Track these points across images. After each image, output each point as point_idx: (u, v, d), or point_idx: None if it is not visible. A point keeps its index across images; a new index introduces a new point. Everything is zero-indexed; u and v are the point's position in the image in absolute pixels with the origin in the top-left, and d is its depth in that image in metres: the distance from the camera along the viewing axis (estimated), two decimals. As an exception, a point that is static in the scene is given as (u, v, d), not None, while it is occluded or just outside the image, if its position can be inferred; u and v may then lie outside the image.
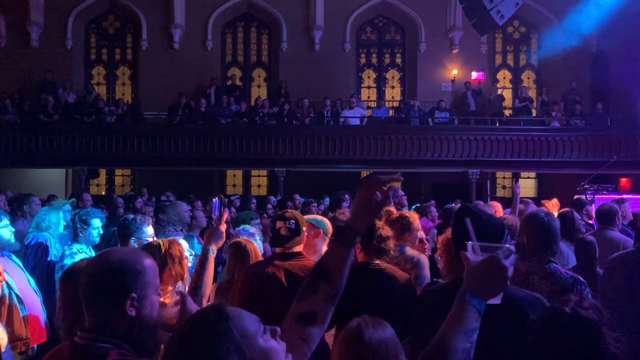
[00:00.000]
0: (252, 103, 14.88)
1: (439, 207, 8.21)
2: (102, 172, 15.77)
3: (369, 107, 15.42)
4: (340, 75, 15.64)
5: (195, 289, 2.39)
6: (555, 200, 7.36)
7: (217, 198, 2.76)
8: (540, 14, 16.01)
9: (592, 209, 6.48)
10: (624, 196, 9.67)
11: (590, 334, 1.52)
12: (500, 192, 15.93)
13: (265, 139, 13.48)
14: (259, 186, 16.17)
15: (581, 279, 2.80)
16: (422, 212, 7.46)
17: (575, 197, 7.86)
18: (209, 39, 15.85)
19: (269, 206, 8.81)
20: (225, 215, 2.64)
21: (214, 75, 15.42)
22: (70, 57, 15.79)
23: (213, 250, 2.51)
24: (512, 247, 1.51)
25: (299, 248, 3.18)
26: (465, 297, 1.43)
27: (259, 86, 16.64)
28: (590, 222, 6.47)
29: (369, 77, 16.80)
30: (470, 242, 1.56)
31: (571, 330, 1.53)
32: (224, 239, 2.61)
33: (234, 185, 16.15)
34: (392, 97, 16.40)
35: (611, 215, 5.29)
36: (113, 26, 16.58)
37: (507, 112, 15.63)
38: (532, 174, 16.14)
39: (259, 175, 16.19)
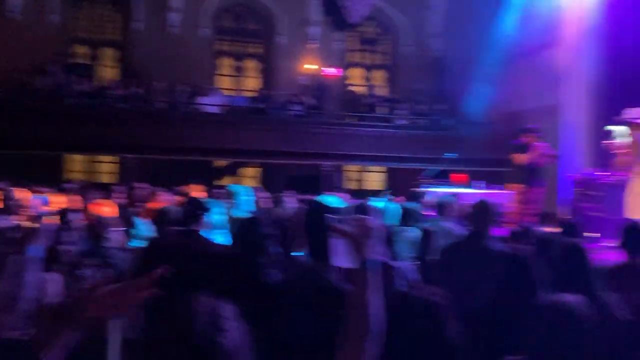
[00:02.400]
0: (101, 84, 13.98)
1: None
2: None
3: (227, 96, 15.25)
4: (197, 61, 15.23)
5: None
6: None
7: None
8: (393, 15, 16.89)
9: (428, 201, 7.04)
10: (458, 190, 10.63)
11: (434, 314, 1.66)
12: (349, 185, 16.62)
13: (113, 122, 12.75)
14: (106, 173, 15.25)
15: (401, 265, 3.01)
16: (276, 203, 7.55)
17: (413, 189, 8.51)
18: (53, 12, 14.57)
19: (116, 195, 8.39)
20: None
21: (58, 51, 14.22)
22: None
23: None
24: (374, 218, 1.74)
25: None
26: (368, 264, 1.62)
27: (109, 66, 15.66)
28: (426, 213, 7.03)
29: (226, 65, 16.59)
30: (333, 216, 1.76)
31: (421, 313, 1.66)
32: None
33: (77, 172, 15.05)
34: (251, 87, 16.36)
35: (445, 207, 5.81)
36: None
37: (360, 109, 16.32)
38: (381, 168, 17.04)
39: (106, 162, 15.27)
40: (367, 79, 17.39)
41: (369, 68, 17.52)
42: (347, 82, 16.88)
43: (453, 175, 13.87)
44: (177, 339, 1.12)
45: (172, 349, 1.11)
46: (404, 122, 15.04)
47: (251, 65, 16.72)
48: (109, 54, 15.74)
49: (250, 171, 16.16)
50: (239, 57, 16.57)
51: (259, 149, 13.61)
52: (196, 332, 1.11)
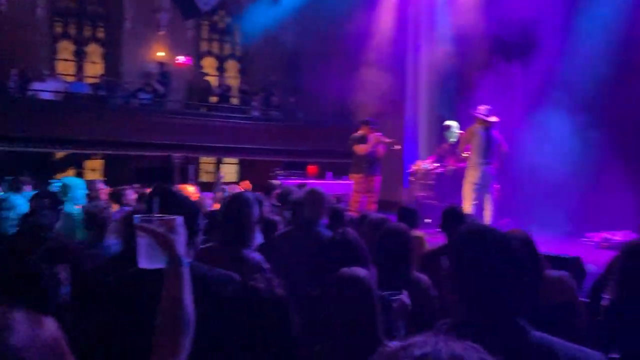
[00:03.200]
0: None
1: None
2: None
3: (66, 82, 14.13)
4: (31, 43, 13.92)
5: None
6: (247, 182, 7.87)
7: None
8: (244, 6, 16.72)
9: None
10: (309, 181, 10.86)
11: (280, 309, 1.62)
12: (204, 177, 16.29)
13: None
14: None
15: (258, 258, 2.97)
16: (116, 197, 7.16)
17: (267, 182, 8.52)
18: None
19: None
20: None
21: None
22: None
23: None
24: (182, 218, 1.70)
25: None
26: (183, 262, 1.58)
27: None
28: (279, 204, 7.09)
29: (66, 50, 15.35)
30: (139, 216, 1.69)
31: (265, 305, 1.62)
32: None
33: None
34: (93, 73, 15.32)
35: (288, 197, 5.86)
36: None
37: (213, 99, 15.99)
38: (234, 160, 16.89)
39: None
40: (220, 69, 17.09)
41: (221, 58, 17.23)
42: (200, 71, 16.45)
43: (309, 167, 14.18)
44: None
45: None
46: (257, 113, 15.01)
47: (94, 50, 15.63)
48: None
49: (92, 163, 15.19)
50: (80, 41, 15.42)
51: (101, 139, 12.78)
52: None
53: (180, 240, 1.64)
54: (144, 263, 1.69)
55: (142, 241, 1.67)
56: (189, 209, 2.06)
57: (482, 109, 7.84)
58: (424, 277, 2.83)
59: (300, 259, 3.53)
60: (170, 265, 1.61)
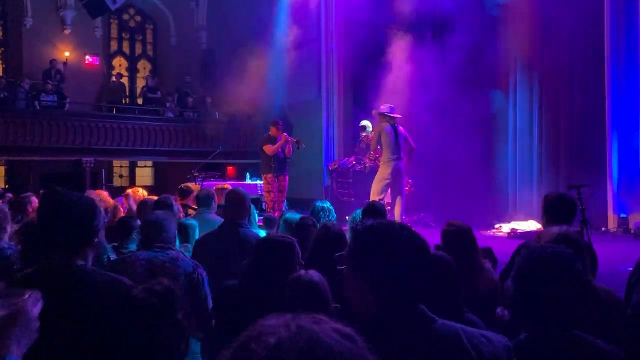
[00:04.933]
0: None
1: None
2: None
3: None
4: None
5: None
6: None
7: None
8: (155, 6, 16.26)
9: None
10: (229, 183, 10.69)
11: (137, 312, 1.49)
12: (117, 182, 15.65)
13: None
14: None
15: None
16: (20, 205, 6.73)
17: (183, 185, 8.27)
18: None
19: None
20: None
21: None
22: None
23: None
24: (39, 296, 1.33)
25: None
26: None
27: None
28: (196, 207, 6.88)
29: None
30: None
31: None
32: None
33: None
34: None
35: (209, 199, 5.72)
36: None
37: (125, 101, 15.41)
38: (149, 163, 16.36)
39: None
40: (132, 70, 16.49)
41: (133, 58, 16.63)
42: (111, 72, 15.80)
43: (229, 168, 13.94)
44: None
45: None
46: (172, 115, 14.59)
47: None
48: None
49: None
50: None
51: (1, 145, 11.98)
52: None
53: (16, 333, 1.24)
54: None
55: None
56: (83, 210, 1.91)
57: (386, 106, 7.98)
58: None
59: (227, 259, 3.45)
60: None
